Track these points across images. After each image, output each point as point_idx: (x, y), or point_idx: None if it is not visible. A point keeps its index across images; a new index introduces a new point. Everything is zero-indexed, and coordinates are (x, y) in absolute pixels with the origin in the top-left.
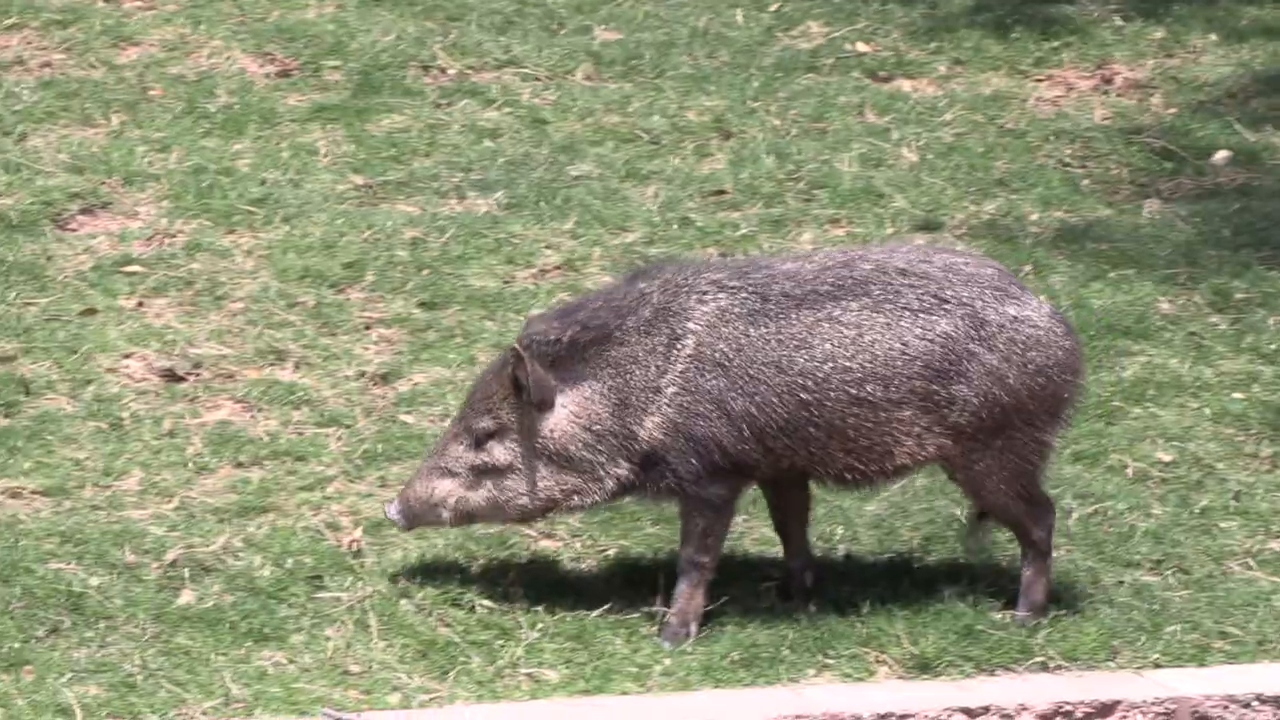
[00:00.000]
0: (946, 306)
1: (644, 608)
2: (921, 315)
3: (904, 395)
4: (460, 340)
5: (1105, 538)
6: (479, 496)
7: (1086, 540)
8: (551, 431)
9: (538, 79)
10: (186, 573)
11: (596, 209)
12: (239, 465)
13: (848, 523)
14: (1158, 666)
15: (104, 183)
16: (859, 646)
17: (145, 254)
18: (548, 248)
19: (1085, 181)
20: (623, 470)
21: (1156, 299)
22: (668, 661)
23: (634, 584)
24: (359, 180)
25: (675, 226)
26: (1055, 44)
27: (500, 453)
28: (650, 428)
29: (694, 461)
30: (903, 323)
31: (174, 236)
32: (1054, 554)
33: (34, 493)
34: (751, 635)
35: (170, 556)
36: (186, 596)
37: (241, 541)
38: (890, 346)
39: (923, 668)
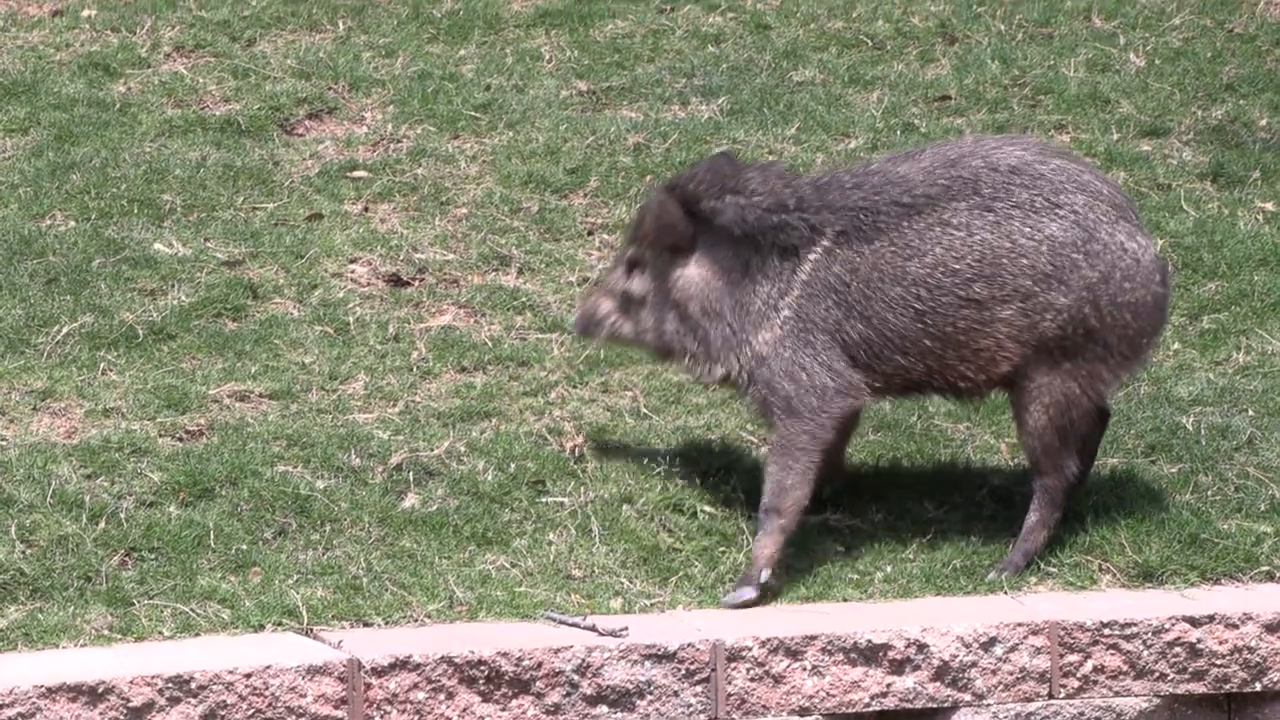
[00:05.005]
0: (1059, 211)
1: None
2: (1032, 215)
3: (1008, 294)
4: None
5: None
6: (626, 323)
7: None
8: (676, 281)
9: None
10: (411, 476)
11: (819, 114)
12: (462, 370)
13: None
14: None
15: (330, 88)
16: (1082, 555)
17: (371, 159)
18: (770, 153)
19: None
20: (734, 366)
21: None
22: (889, 569)
23: (854, 491)
24: (583, 86)
25: (898, 132)
26: None
27: (638, 284)
28: (764, 339)
29: (801, 380)
30: (1013, 221)
31: (399, 142)
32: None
33: (261, 396)
34: (973, 543)
35: (395, 460)
36: (411, 500)
37: (465, 446)
38: (999, 244)
39: (1146, 576)
